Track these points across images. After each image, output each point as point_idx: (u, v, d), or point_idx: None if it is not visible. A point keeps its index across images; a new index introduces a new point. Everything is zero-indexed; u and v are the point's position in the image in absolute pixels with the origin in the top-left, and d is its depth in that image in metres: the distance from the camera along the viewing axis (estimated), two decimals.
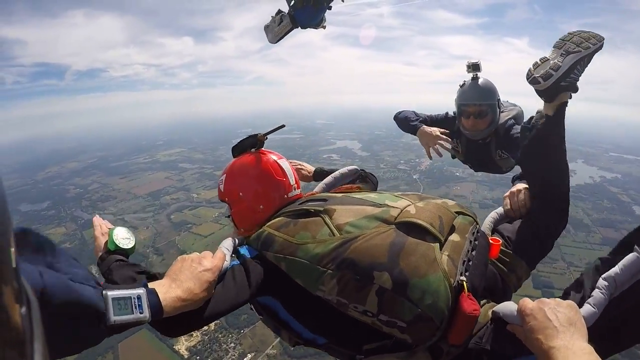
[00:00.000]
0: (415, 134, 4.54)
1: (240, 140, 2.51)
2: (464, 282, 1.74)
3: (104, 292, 1.37)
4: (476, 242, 2.02)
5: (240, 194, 2.37)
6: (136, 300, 1.43)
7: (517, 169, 3.36)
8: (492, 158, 4.65)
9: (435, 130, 4.31)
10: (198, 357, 34.84)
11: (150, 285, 1.58)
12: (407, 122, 4.68)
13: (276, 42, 6.28)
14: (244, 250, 2.10)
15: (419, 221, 1.87)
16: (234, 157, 2.53)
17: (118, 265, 1.89)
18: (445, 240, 1.88)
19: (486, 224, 2.52)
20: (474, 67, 4.32)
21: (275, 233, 2.06)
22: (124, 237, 2.07)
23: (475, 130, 4.37)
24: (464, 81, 4.44)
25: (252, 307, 2.30)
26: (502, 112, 4.46)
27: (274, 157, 2.48)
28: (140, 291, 1.48)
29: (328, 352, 2.17)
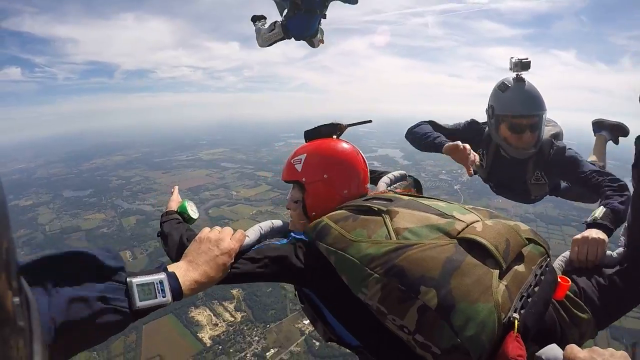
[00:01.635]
0: (440, 152, 3.52)
1: (318, 126, 2.46)
2: (516, 320, 1.53)
3: (127, 279, 1.43)
4: (542, 277, 1.76)
5: (325, 175, 2.26)
6: (159, 285, 1.50)
7: (549, 199, 3.44)
8: (525, 180, 3.92)
9: (467, 146, 3.20)
10: (220, 347, 34.69)
11: (170, 268, 1.64)
12: (426, 139, 3.76)
13: (266, 47, 6.77)
14: (293, 235, 2.07)
15: (483, 241, 1.67)
16: (306, 141, 2.45)
17: (176, 223, 2.30)
18: (508, 268, 1.67)
19: (557, 262, 2.25)
20: (523, 66, 3.60)
21: (333, 225, 1.94)
22: (192, 209, 2.48)
23: (526, 147, 3.60)
24: (503, 82, 3.67)
25: (296, 293, 2.23)
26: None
27: (356, 148, 2.42)
28: (162, 276, 1.54)
29: (359, 357, 2.06)
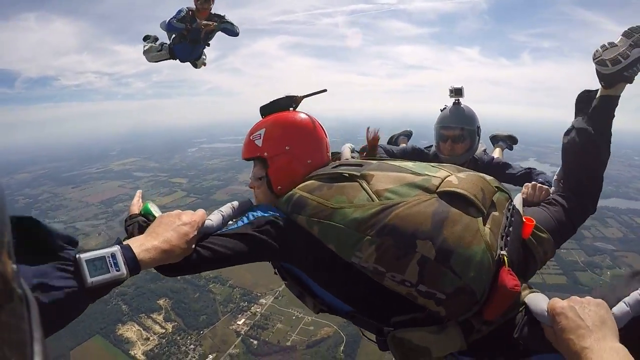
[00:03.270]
0: None
1: (275, 99, 2.42)
2: (504, 257, 1.71)
3: (76, 255, 1.35)
4: (512, 219, 1.97)
5: (287, 147, 2.24)
6: (111, 259, 1.41)
7: None
8: None
9: None
10: None
11: (125, 242, 1.56)
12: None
13: (154, 62, 7.55)
14: (258, 212, 2.03)
15: (463, 191, 1.81)
16: (263, 116, 2.43)
17: (143, 223, 1.93)
18: (487, 213, 1.83)
19: (517, 203, 2.28)
20: (457, 92, 4.34)
21: (308, 196, 1.96)
22: (155, 209, 2.15)
23: (453, 154, 4.17)
24: (445, 105, 4.42)
25: (276, 271, 2.23)
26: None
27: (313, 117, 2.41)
28: (115, 249, 1.46)
29: (352, 322, 2.09)
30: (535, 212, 2.44)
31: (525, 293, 1.81)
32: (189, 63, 7.51)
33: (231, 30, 7.05)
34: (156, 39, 7.39)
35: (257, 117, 2.42)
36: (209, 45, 7.27)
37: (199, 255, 1.77)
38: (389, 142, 6.10)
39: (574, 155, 2.61)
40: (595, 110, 2.52)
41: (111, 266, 1.38)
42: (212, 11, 6.90)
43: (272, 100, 2.41)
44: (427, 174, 1.93)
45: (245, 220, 1.97)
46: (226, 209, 2.09)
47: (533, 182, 2.82)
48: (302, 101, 2.45)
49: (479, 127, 4.26)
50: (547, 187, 2.76)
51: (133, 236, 1.76)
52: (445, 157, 4.17)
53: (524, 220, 2.08)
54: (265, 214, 1.98)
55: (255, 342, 35.43)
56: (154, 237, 1.62)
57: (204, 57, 7.56)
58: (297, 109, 2.43)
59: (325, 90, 2.54)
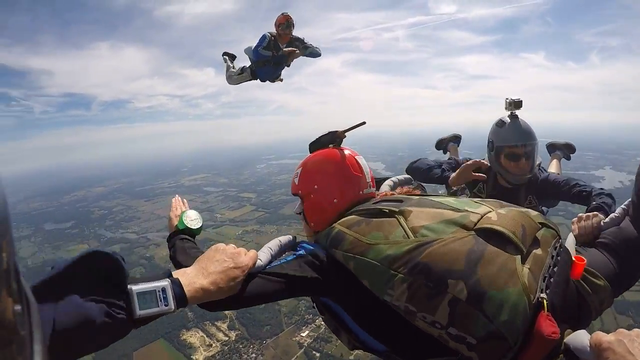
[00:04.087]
0: (447, 184, 4.29)
1: (319, 137, 2.45)
2: (544, 300, 1.58)
3: (128, 287, 1.39)
4: (558, 258, 1.84)
5: (315, 186, 2.28)
6: (161, 293, 1.45)
7: None
8: (520, 205, 3.96)
9: (469, 165, 3.96)
10: None
11: (175, 274, 1.58)
12: (430, 173, 4.34)
13: (234, 85, 7.74)
14: (302, 248, 1.99)
15: (501, 228, 1.71)
16: (310, 152, 2.46)
17: (180, 241, 2.16)
18: (528, 252, 1.71)
19: (569, 241, 2.06)
20: (516, 105, 4.14)
21: (346, 231, 1.93)
22: (192, 219, 2.32)
23: (523, 172, 4.06)
24: (501, 120, 4.19)
25: (315, 305, 2.21)
26: None
27: (351, 153, 2.38)
28: (165, 283, 1.48)
29: None
30: (590, 254, 2.21)
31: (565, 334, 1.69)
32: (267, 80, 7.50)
33: (316, 53, 7.24)
34: (234, 57, 7.78)
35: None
36: (289, 65, 7.28)
37: (244, 293, 1.77)
38: (436, 145, 6.40)
39: None
40: None
41: (160, 300, 1.45)
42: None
43: (317, 137, 2.46)
44: (467, 209, 1.88)
45: (291, 257, 1.95)
46: (274, 245, 2.07)
47: (580, 215, 2.53)
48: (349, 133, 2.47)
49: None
50: (601, 215, 2.44)
51: (175, 258, 2.06)
52: (516, 177, 4.11)
53: (574, 259, 1.87)
54: (309, 248, 1.98)
55: (318, 354, 34.27)
56: (204, 276, 1.65)
57: (281, 76, 7.59)
58: (341, 145, 2.45)
59: (364, 123, 2.52)
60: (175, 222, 2.32)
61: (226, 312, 39.65)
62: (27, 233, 73.32)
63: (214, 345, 36.51)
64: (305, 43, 7.10)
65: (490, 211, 1.85)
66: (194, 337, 37.62)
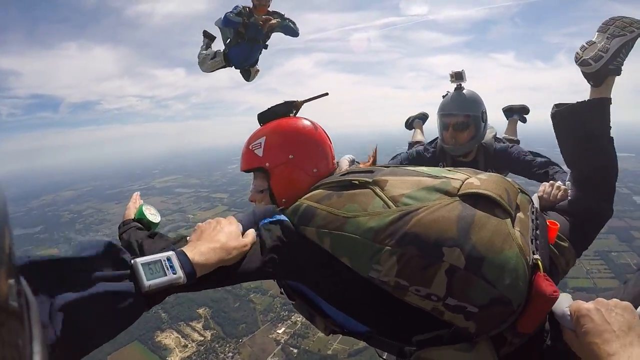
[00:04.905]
0: None
1: (272, 106, 2.27)
2: (539, 261, 1.55)
3: (132, 260, 1.32)
4: (537, 222, 1.84)
5: (291, 156, 2.08)
6: (167, 262, 1.37)
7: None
8: None
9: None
10: None
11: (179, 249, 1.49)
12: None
13: (208, 72, 6.92)
14: (273, 219, 1.84)
15: (487, 192, 1.65)
16: (261, 124, 2.27)
17: (135, 229, 1.98)
18: (514, 216, 1.68)
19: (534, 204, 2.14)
20: (457, 76, 4.14)
21: (316, 205, 1.78)
22: (152, 213, 2.20)
23: (456, 143, 4.04)
24: (447, 91, 4.24)
25: (283, 290, 2.06)
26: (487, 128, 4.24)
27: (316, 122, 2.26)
28: (170, 253, 1.41)
29: (368, 343, 1.94)
30: (553, 217, 2.29)
31: None
32: (241, 77, 6.76)
33: (293, 30, 6.29)
34: (214, 38, 6.79)
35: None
36: (266, 47, 6.50)
37: (241, 264, 1.66)
38: (405, 123, 6.36)
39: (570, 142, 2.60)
40: (595, 103, 2.45)
41: (167, 269, 1.37)
42: (270, 8, 6.15)
43: (270, 107, 2.27)
44: (445, 176, 1.79)
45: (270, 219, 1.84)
46: (244, 217, 1.91)
47: (551, 181, 2.71)
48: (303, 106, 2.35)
49: (484, 112, 4.06)
50: (565, 187, 2.62)
51: (129, 245, 1.78)
52: (448, 147, 4.10)
53: (548, 223, 1.96)
54: (274, 219, 1.81)
55: (296, 350, 34.73)
56: (207, 241, 1.58)
57: (257, 66, 6.80)
58: (297, 115, 2.30)
59: (326, 94, 2.40)
60: (133, 212, 2.17)
61: (200, 311, 40.28)
62: None
63: (189, 345, 36.35)
64: (285, 17, 6.20)
65: (468, 177, 1.78)
66: (168, 338, 37.36)
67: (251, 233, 1.72)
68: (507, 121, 5.80)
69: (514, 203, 1.74)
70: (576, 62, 2.42)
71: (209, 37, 6.81)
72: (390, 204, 1.66)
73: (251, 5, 5.96)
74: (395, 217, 1.59)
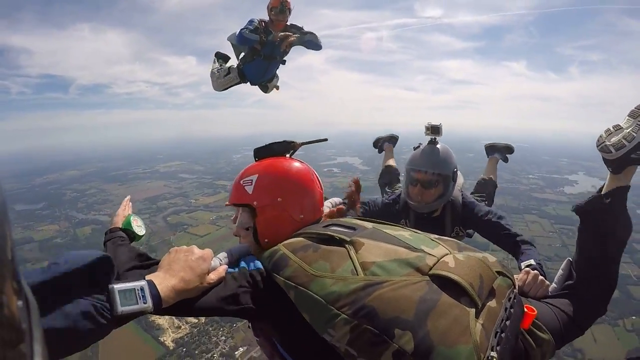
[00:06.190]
0: None
1: (270, 144, 2.27)
2: (494, 359, 1.48)
3: (109, 285, 1.44)
4: (512, 310, 1.73)
5: (279, 199, 2.05)
6: (140, 292, 1.50)
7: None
8: (446, 235, 3.89)
9: None
10: (184, 349, 34.27)
11: (147, 277, 1.61)
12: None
13: (221, 91, 6.52)
14: (248, 263, 1.91)
15: (458, 278, 1.58)
16: (256, 159, 2.25)
17: (120, 241, 2.11)
18: (483, 305, 1.60)
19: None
20: (434, 130, 4.01)
21: (291, 256, 1.79)
22: (138, 225, 2.32)
23: (420, 201, 3.89)
24: (420, 144, 4.09)
25: (250, 325, 2.08)
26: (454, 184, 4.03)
27: (309, 167, 2.25)
28: (143, 283, 1.54)
29: None
30: (537, 305, 2.14)
31: None
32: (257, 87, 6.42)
33: (315, 44, 5.83)
34: (227, 59, 6.45)
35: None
36: (284, 63, 6.09)
37: (198, 306, 1.75)
38: (374, 144, 6.38)
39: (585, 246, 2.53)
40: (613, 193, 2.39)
41: (139, 298, 1.49)
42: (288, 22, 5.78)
43: (267, 143, 2.28)
44: (423, 249, 1.74)
45: (236, 268, 1.91)
46: (222, 256, 1.99)
47: (534, 272, 2.58)
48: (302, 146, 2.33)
49: (455, 172, 3.92)
50: (547, 282, 2.55)
51: (110, 252, 1.98)
52: (413, 204, 3.96)
53: (525, 309, 1.88)
54: (248, 267, 1.88)
55: None
56: (172, 275, 1.68)
57: (276, 80, 6.46)
58: (293, 157, 2.28)
59: (326, 139, 2.46)
60: (121, 220, 2.32)
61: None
62: None
63: (182, 327, 36.47)
64: (304, 31, 5.80)
65: (447, 254, 1.74)
66: (162, 318, 37.11)
67: (219, 271, 1.82)
68: (488, 159, 5.73)
69: (487, 290, 1.65)
70: (597, 146, 2.35)
71: (222, 58, 6.48)
72: (360, 270, 1.63)
73: (267, 19, 5.63)
74: (359, 287, 1.57)
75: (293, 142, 2.28)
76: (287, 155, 2.26)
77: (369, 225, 1.99)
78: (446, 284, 1.57)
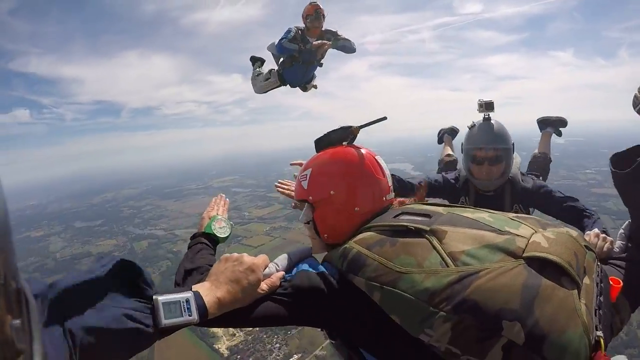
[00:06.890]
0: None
1: (328, 132, 2.11)
2: (601, 339, 1.41)
3: (154, 297, 1.44)
4: (602, 285, 1.66)
5: (332, 191, 1.94)
6: (185, 304, 1.49)
7: None
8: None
9: None
10: (239, 356, 34.36)
11: (194, 288, 1.59)
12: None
13: (261, 94, 7.08)
14: (317, 266, 1.78)
15: (556, 258, 1.47)
16: (317, 151, 2.13)
17: (200, 247, 2.08)
18: (581, 284, 1.50)
19: None
20: (488, 107, 3.99)
21: (367, 253, 1.65)
22: (220, 226, 2.26)
23: (489, 179, 3.85)
24: (473, 122, 4.05)
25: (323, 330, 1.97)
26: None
27: (369, 152, 2.06)
28: (189, 295, 1.53)
29: None
30: (608, 272, 2.06)
31: None
32: (297, 87, 6.77)
33: (349, 47, 6.22)
34: (263, 62, 6.99)
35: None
36: (321, 65, 6.47)
37: (254, 309, 1.71)
38: (438, 136, 6.62)
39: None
40: None
41: (184, 311, 1.48)
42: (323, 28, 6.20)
43: (326, 132, 2.15)
44: (509, 231, 1.61)
45: (316, 269, 1.80)
46: (281, 260, 1.91)
47: (596, 231, 2.56)
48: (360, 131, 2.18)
49: (513, 144, 3.94)
50: (611, 239, 2.46)
51: (183, 260, 2.02)
52: (480, 182, 3.94)
53: (611, 282, 1.83)
54: (310, 270, 1.78)
55: None
56: (217, 287, 1.66)
57: (313, 80, 6.82)
58: (353, 143, 2.14)
59: (385, 118, 2.17)
60: (205, 223, 2.26)
61: None
62: (57, 230, 75.03)
63: (237, 335, 36.48)
64: (339, 36, 6.19)
65: (534, 232, 1.59)
66: None
67: (273, 280, 1.73)
68: (541, 133, 5.71)
69: (582, 268, 1.55)
70: (633, 107, 2.23)
71: (259, 60, 6.95)
72: (449, 261, 1.50)
73: (303, 26, 6.04)
74: (454, 279, 1.45)
75: (350, 126, 2.10)
76: (345, 143, 2.09)
77: (443, 210, 1.81)
78: (543, 266, 1.46)
